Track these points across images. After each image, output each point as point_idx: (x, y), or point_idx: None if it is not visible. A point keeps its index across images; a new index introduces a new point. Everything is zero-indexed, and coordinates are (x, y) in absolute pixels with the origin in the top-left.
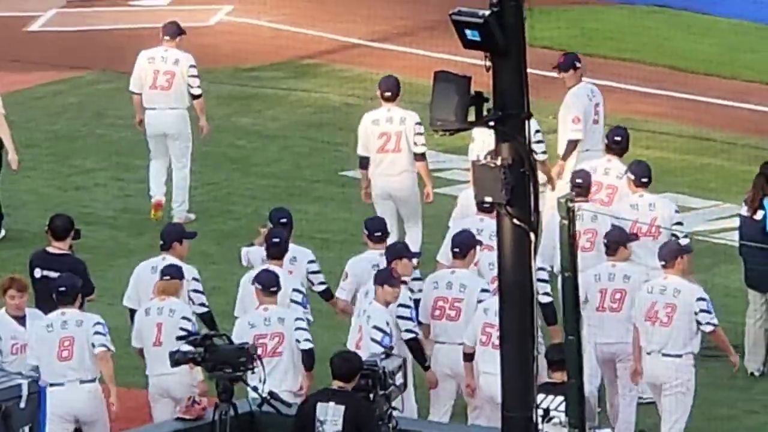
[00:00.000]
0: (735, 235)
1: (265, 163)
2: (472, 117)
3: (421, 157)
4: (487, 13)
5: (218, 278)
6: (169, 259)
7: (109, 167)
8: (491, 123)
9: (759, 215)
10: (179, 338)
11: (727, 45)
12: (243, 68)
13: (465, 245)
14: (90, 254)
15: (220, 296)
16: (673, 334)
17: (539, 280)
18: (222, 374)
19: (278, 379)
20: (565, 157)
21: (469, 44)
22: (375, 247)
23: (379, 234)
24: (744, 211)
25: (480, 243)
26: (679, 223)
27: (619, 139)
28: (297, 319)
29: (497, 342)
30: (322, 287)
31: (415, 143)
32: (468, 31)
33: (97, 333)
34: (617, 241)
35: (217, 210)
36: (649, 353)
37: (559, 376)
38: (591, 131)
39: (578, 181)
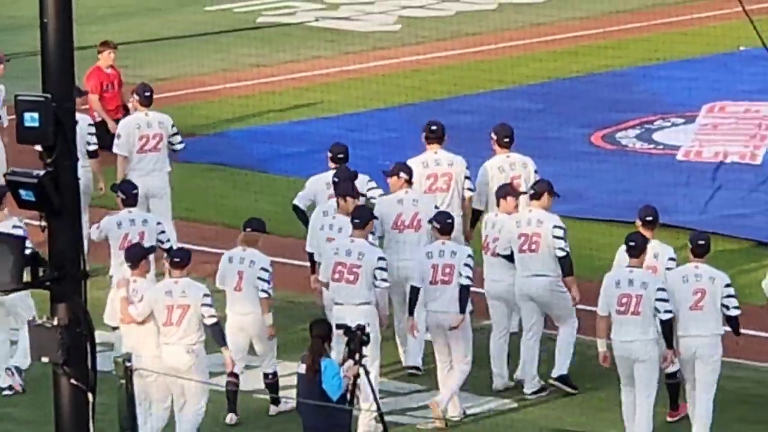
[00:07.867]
0: None
1: None
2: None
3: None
4: (42, 173)
5: None
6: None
7: None
8: (47, 283)
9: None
10: None
11: (286, 202)
12: None
13: (364, 217)
14: None
15: None
16: None
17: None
18: None
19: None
20: None
21: (24, 204)
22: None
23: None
24: (301, 369)
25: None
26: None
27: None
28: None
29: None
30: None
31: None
32: (23, 191)
33: None
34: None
35: None
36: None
37: None
38: None
39: None
